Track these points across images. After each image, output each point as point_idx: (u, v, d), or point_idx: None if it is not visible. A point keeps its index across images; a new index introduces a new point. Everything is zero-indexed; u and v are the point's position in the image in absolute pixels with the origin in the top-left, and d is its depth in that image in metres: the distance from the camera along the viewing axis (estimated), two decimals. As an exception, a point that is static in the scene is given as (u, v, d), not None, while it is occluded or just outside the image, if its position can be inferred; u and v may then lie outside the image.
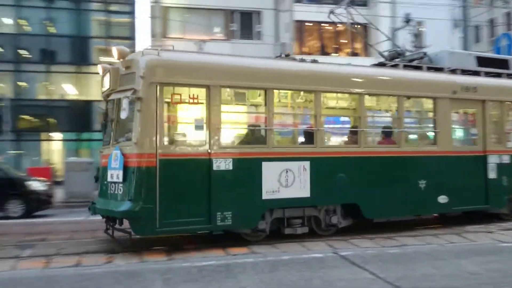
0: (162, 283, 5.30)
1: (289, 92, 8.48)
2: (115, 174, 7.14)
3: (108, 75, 7.54)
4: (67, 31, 27.38)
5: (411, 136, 9.72)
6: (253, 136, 7.99)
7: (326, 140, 8.73)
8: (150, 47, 7.09)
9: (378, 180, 8.52)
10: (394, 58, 10.18)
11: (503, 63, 10.63)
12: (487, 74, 10.21)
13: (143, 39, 24.61)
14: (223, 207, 7.16)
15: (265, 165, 7.52)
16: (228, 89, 7.75)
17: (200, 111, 7.33)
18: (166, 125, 7.15)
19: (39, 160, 26.62)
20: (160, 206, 6.76)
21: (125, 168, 6.94)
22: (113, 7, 28.91)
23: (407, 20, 20.26)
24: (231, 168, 7.26)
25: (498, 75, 10.34)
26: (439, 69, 9.69)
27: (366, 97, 8.69)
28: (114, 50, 7.31)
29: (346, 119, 9.59)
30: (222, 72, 7.49)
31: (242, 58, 8.35)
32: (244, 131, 8.22)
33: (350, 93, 8.72)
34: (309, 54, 25.96)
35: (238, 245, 7.45)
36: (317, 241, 7.87)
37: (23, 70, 27.28)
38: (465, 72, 9.89)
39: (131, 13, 27.00)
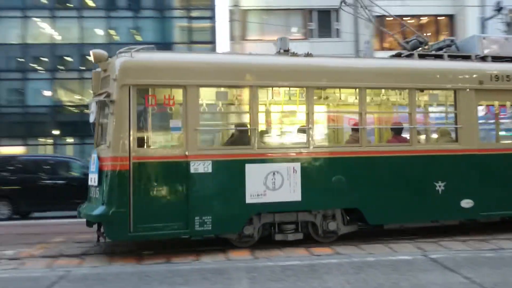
0: (248, 281, 5.39)
1: (278, 89, 7.90)
2: (93, 178, 7.16)
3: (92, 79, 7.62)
4: (152, 39, 28.73)
5: (426, 133, 8.78)
6: (236, 136, 7.63)
7: (322, 139, 8.23)
8: (125, 48, 7.09)
9: (384, 183, 7.70)
10: (416, 47, 9.16)
11: None
12: None
13: (223, 43, 25.22)
14: (201, 212, 6.86)
15: (248, 167, 7.08)
16: (207, 88, 7.31)
17: (177, 112, 7.16)
18: (140, 127, 6.99)
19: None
20: (134, 210, 6.61)
21: (100, 172, 6.91)
22: (195, 13, 29.97)
23: (498, 9, 18.98)
24: (210, 170, 6.93)
25: None
26: (466, 57, 8.65)
27: (368, 91, 7.96)
28: (91, 54, 7.21)
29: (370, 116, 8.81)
30: (200, 71, 7.17)
31: (223, 55, 8.03)
32: (226, 132, 7.93)
33: (348, 87, 8.06)
34: (390, 49, 25.11)
35: (321, 245, 7.38)
36: (405, 242, 7.58)
37: (113, 77, 29.08)
38: (498, 59, 8.71)
39: (212, 18, 27.80)
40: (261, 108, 7.64)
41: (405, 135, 8.16)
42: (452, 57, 8.66)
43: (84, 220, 7.41)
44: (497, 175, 8.25)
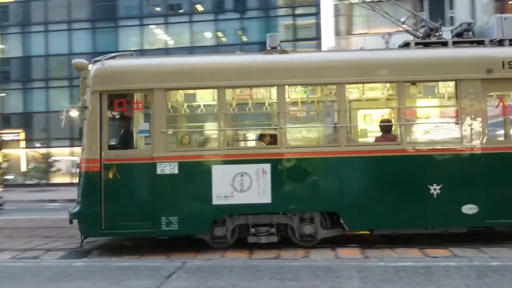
0: (359, 280, 5.26)
1: (248, 89, 7.59)
2: (75, 179, 7.66)
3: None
4: (257, 38, 29.37)
5: (419, 131, 7.75)
6: (204, 138, 7.55)
7: (296, 139, 7.85)
8: (100, 57, 7.42)
9: (367, 185, 7.11)
10: (429, 35, 8.06)
11: None
12: None
13: (328, 39, 25.01)
14: (168, 212, 7.02)
15: (215, 169, 7.06)
16: (176, 91, 7.50)
17: (145, 115, 7.28)
18: (110, 131, 7.34)
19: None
20: (104, 209, 7.02)
21: (79, 173, 7.36)
22: (299, 10, 30.08)
23: None
24: (176, 172, 7.05)
25: None
26: (479, 42, 7.47)
27: (347, 86, 7.32)
28: (73, 64, 7.52)
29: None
30: (167, 74, 7.34)
31: (191, 58, 8.08)
32: (194, 134, 7.87)
33: (324, 84, 7.50)
34: None
35: (437, 246, 6.99)
36: (534, 247, 6.92)
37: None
38: None
39: (317, 14, 27.70)
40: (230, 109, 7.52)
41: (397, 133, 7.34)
42: (460, 43, 7.63)
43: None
44: (508, 176, 7.10)
